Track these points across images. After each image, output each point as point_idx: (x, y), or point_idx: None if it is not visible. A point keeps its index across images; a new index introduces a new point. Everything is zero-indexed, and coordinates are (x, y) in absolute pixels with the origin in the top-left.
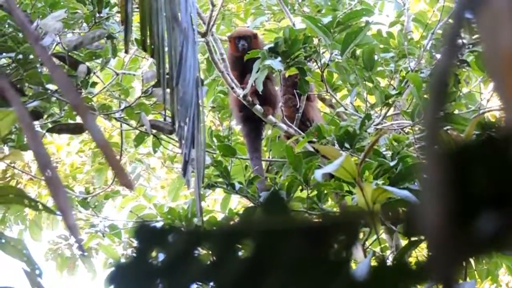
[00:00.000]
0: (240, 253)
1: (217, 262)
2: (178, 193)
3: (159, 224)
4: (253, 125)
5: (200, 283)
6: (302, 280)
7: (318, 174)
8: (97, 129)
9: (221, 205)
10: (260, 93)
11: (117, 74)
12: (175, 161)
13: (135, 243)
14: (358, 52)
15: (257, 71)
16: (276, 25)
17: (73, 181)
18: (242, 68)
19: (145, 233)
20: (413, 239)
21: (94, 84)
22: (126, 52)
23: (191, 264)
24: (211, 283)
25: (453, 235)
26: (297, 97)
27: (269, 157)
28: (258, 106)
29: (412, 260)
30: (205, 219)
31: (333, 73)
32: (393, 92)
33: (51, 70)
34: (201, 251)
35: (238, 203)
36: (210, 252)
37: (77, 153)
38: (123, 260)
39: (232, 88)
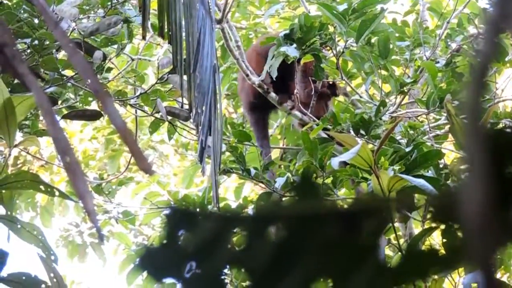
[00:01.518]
0: (271, 238)
1: (248, 246)
2: (192, 180)
3: (190, 208)
4: (262, 114)
5: (231, 268)
6: (332, 265)
7: (334, 162)
8: (117, 114)
9: (234, 193)
10: (274, 79)
11: (132, 60)
12: (189, 149)
13: (166, 226)
14: (373, 40)
15: (272, 58)
16: (292, 13)
17: (86, 168)
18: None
19: (177, 217)
20: (433, 225)
21: (109, 69)
22: (144, 38)
23: (222, 248)
24: (242, 268)
25: (493, 221)
26: (312, 84)
27: (283, 145)
28: (273, 94)
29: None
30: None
31: (348, 61)
32: (408, 80)
33: (70, 55)
34: (233, 235)
35: (251, 191)
36: (242, 236)
37: (90, 140)
38: (153, 244)
39: (247, 75)
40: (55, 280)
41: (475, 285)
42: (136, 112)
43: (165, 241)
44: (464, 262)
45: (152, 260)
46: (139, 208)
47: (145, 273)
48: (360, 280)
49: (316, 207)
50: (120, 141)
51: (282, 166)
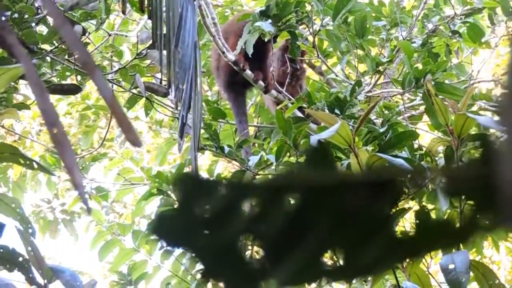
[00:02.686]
0: (284, 207)
1: (262, 215)
2: (165, 157)
3: (203, 176)
4: (240, 91)
5: (245, 236)
6: (346, 236)
7: (313, 140)
8: (105, 86)
9: (207, 171)
10: (250, 56)
11: (109, 35)
12: (162, 126)
13: (179, 193)
14: (350, 19)
15: (248, 34)
16: None
17: None
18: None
19: (189, 184)
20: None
21: (86, 44)
22: (123, 12)
23: (235, 217)
24: (256, 237)
25: None
26: (288, 62)
27: (257, 123)
28: (248, 72)
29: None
30: None
31: (324, 40)
32: (384, 60)
33: (59, 26)
34: (246, 204)
35: (224, 169)
36: (255, 205)
37: (64, 115)
38: (167, 211)
39: (223, 52)
40: (32, 253)
41: (452, 266)
42: (112, 87)
43: (178, 209)
44: (476, 234)
45: (165, 228)
46: (112, 184)
47: (158, 241)
48: (372, 251)
49: (331, 176)
50: (94, 116)
51: (256, 144)
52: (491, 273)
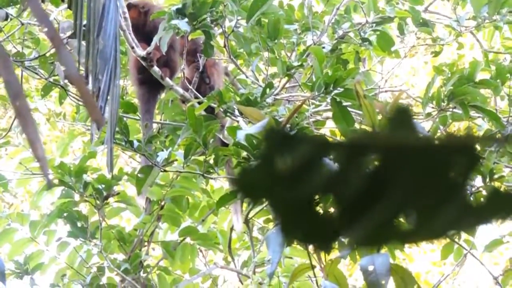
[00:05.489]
0: (364, 167)
1: (342, 173)
2: (67, 148)
3: (289, 130)
4: (149, 88)
5: (323, 193)
6: (421, 199)
7: (240, 135)
8: (71, 63)
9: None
10: (161, 55)
11: (22, 24)
12: (59, 118)
13: (264, 146)
14: (263, 21)
15: (163, 31)
16: None
17: None
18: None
19: (275, 137)
20: None
21: None
22: (43, 1)
23: (315, 173)
24: (333, 194)
25: None
26: (199, 60)
27: (161, 120)
28: (156, 68)
29: None
30: (94, 176)
31: (231, 41)
32: (295, 64)
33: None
34: (327, 161)
35: (126, 164)
36: (336, 163)
37: None
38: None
39: (132, 47)
40: None
41: (372, 267)
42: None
43: (261, 162)
44: None
45: (247, 180)
46: (13, 172)
47: (240, 192)
48: (446, 215)
49: (411, 139)
50: None
51: (158, 141)
52: (410, 277)
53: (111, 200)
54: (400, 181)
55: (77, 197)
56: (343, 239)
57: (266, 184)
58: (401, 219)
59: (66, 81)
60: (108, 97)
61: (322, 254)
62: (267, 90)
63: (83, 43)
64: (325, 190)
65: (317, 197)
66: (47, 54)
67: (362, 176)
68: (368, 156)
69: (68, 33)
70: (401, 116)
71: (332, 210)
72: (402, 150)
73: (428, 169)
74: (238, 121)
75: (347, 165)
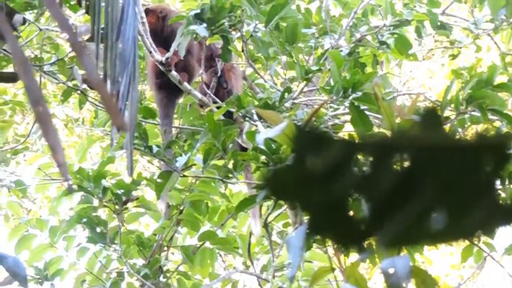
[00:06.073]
0: (394, 167)
1: (372, 173)
2: (86, 154)
3: (320, 130)
4: (167, 92)
5: (354, 193)
6: (452, 198)
7: (259, 139)
8: (93, 68)
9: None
10: (179, 59)
11: (40, 30)
12: (77, 124)
13: (295, 147)
14: (282, 25)
15: (181, 36)
16: None
17: None
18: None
19: (305, 138)
20: None
21: (17, 37)
22: (60, 5)
23: (347, 173)
24: (364, 194)
25: None
26: (218, 64)
27: (179, 125)
28: (174, 73)
29: None
30: (112, 182)
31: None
32: (313, 68)
33: (49, 6)
34: (358, 161)
35: (144, 169)
36: (366, 163)
37: None
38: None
39: (151, 52)
40: None
41: (393, 270)
42: (40, 79)
43: (292, 162)
44: None
45: (279, 181)
46: (32, 178)
47: (270, 193)
48: (477, 214)
49: (441, 139)
50: (11, 112)
51: (177, 146)
52: (431, 279)
53: (130, 205)
54: (431, 181)
55: (96, 202)
56: (371, 240)
57: (298, 184)
58: (431, 219)
59: (84, 85)
60: (127, 102)
61: (342, 257)
62: (286, 94)
63: (101, 46)
64: (357, 190)
65: (348, 197)
66: (65, 58)
67: (393, 176)
68: (399, 156)
69: (86, 37)
70: (430, 117)
71: (363, 210)
72: (432, 150)
73: (459, 169)
74: (256, 126)
75: (378, 165)
